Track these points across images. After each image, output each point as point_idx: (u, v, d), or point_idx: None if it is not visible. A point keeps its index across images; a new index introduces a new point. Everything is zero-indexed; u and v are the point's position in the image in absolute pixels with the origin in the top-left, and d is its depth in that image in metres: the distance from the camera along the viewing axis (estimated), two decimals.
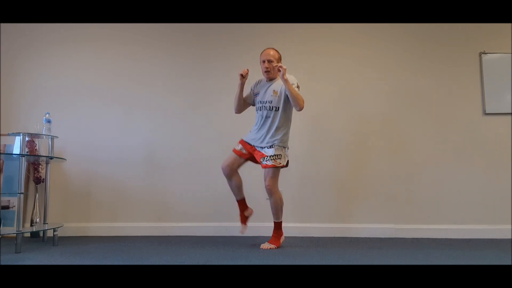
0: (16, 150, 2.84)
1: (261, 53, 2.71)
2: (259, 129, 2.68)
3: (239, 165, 2.74)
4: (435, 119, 3.42)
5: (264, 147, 2.64)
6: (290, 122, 2.72)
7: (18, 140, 2.81)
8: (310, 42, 3.52)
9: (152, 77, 3.49)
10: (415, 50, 3.50)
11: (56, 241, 2.77)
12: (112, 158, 3.39)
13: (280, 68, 2.50)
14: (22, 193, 2.54)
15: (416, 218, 3.30)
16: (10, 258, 2.20)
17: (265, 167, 2.62)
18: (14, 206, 3.11)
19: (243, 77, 2.66)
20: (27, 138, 2.86)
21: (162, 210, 3.35)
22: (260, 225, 3.25)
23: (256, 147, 2.68)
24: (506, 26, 3.47)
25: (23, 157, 2.60)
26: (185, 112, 3.46)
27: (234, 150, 2.74)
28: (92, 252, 2.39)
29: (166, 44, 3.53)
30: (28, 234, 3.22)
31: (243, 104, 2.79)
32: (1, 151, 3.21)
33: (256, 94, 2.75)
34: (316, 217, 3.33)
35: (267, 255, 2.29)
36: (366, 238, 3.18)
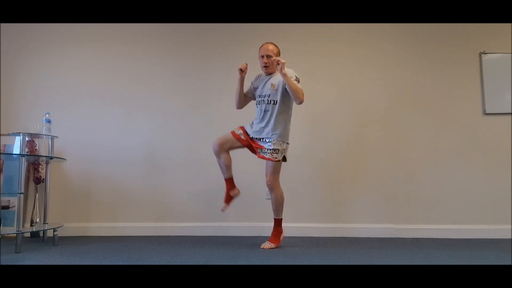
0: (16, 150, 2.84)
1: (260, 48, 2.70)
2: (259, 122, 2.69)
3: (231, 147, 2.73)
4: (435, 119, 3.42)
5: (263, 139, 2.64)
6: (290, 116, 2.71)
7: (18, 140, 2.81)
8: (310, 42, 3.52)
9: (152, 77, 3.49)
10: (415, 50, 3.50)
11: (56, 241, 2.77)
12: (112, 158, 3.39)
13: (279, 62, 2.51)
14: (22, 193, 2.54)
15: (416, 218, 3.30)
16: (10, 258, 2.20)
17: (261, 157, 2.63)
18: (14, 206, 3.11)
19: (242, 71, 2.66)
20: (27, 138, 2.86)
21: (162, 210, 3.35)
22: (260, 225, 3.25)
23: (254, 138, 2.69)
24: (506, 26, 3.47)
25: (23, 157, 2.60)
26: (185, 112, 3.46)
27: (233, 133, 2.74)
28: (92, 252, 2.39)
29: (166, 44, 3.53)
30: (28, 234, 3.22)
31: (243, 99, 2.79)
32: (1, 151, 3.21)
33: (256, 88, 2.75)
34: (316, 217, 3.33)
35: (267, 255, 2.29)
36: (366, 238, 3.18)
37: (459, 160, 3.36)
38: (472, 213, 3.29)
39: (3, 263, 2.05)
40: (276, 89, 2.63)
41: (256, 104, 2.75)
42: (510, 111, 3.38)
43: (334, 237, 3.22)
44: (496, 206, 3.28)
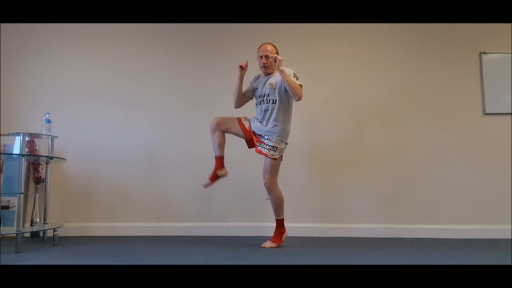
0: (16, 150, 2.84)
1: (258, 48, 2.71)
2: (259, 122, 2.70)
3: (227, 130, 2.74)
4: (435, 119, 3.42)
5: (263, 135, 2.65)
6: (290, 116, 2.71)
7: (18, 140, 2.81)
8: (310, 42, 3.52)
9: (152, 77, 3.49)
10: (415, 50, 3.50)
11: (56, 241, 2.77)
12: (112, 158, 3.39)
13: (276, 59, 2.52)
14: (22, 193, 2.54)
15: (416, 218, 3.30)
16: (10, 258, 2.20)
17: (258, 152, 2.64)
18: (14, 206, 3.11)
19: (243, 68, 2.67)
20: (27, 138, 2.86)
21: (162, 210, 3.35)
22: (260, 225, 3.25)
23: (256, 133, 2.70)
24: (506, 26, 3.47)
25: (23, 157, 2.60)
26: (185, 112, 3.46)
27: (239, 120, 2.75)
28: (92, 252, 2.39)
29: (166, 44, 3.53)
30: (28, 234, 3.22)
31: (242, 97, 2.78)
32: (1, 151, 3.21)
33: (255, 89, 2.76)
34: (316, 217, 3.33)
35: (267, 255, 2.29)
36: (366, 238, 3.18)
37: (459, 160, 3.36)
38: (472, 213, 3.29)
39: (3, 263, 2.05)
40: (274, 88, 2.63)
41: (256, 105, 2.76)
42: (510, 111, 3.38)
43: (334, 237, 3.22)
44: (496, 206, 3.28)
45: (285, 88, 2.59)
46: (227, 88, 3.32)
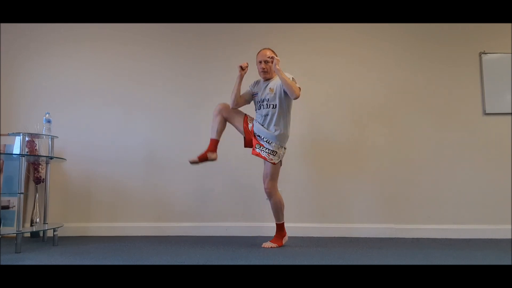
0: (16, 150, 2.84)
1: (257, 53, 2.72)
2: (261, 125, 2.69)
3: (228, 119, 2.75)
4: (435, 119, 3.42)
5: (263, 138, 2.64)
6: (289, 121, 2.71)
7: (18, 140, 2.81)
8: (310, 42, 3.52)
9: (152, 77, 3.49)
10: (415, 50, 3.50)
11: (56, 241, 2.77)
12: (112, 158, 3.39)
13: (273, 60, 2.53)
14: (22, 193, 2.54)
15: (416, 218, 3.30)
16: (10, 258, 2.20)
17: (255, 154, 2.63)
18: (14, 206, 3.11)
19: (243, 69, 2.66)
20: (27, 138, 2.86)
21: (162, 210, 3.35)
22: (260, 225, 3.25)
23: (255, 135, 2.69)
24: (506, 26, 3.47)
25: (23, 157, 2.60)
26: (185, 112, 3.46)
27: (246, 117, 2.76)
28: (92, 252, 2.39)
29: (166, 44, 3.53)
30: (28, 234, 3.22)
31: (240, 98, 2.75)
32: (1, 151, 3.21)
33: (255, 94, 2.75)
34: (316, 217, 3.33)
35: (267, 255, 2.29)
36: (366, 238, 3.18)
37: (459, 160, 3.36)
38: (472, 213, 3.29)
39: (3, 263, 2.05)
40: (274, 93, 2.63)
41: (256, 110, 2.75)
42: (510, 111, 3.38)
43: (334, 237, 3.22)
44: (496, 206, 3.28)
45: (284, 92, 2.60)
46: (227, 88, 3.31)
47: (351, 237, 3.20)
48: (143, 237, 3.14)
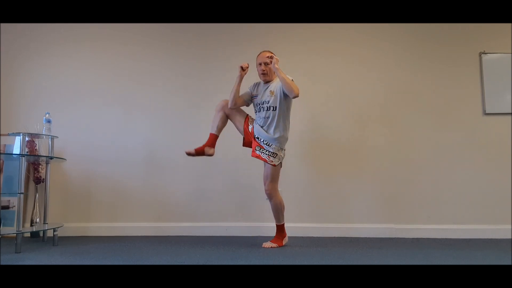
0: (16, 150, 2.84)
1: (257, 56, 2.72)
2: (261, 127, 2.69)
3: (230, 115, 2.75)
4: (435, 119, 3.42)
5: (263, 140, 2.64)
6: (289, 124, 2.71)
7: (18, 140, 2.81)
8: (310, 42, 3.52)
9: (152, 77, 3.49)
10: (415, 50, 3.50)
11: (56, 241, 2.77)
12: (112, 158, 3.39)
13: (272, 59, 2.53)
14: (22, 193, 2.54)
15: (416, 218, 3.30)
16: (10, 258, 2.20)
17: (255, 156, 2.63)
18: (14, 206, 3.11)
19: (243, 69, 2.66)
20: (27, 138, 2.86)
21: (162, 210, 3.35)
22: (260, 225, 3.25)
23: (256, 137, 2.69)
24: (506, 26, 3.47)
25: (23, 157, 2.60)
26: (185, 112, 3.46)
27: (247, 117, 2.76)
28: (92, 252, 2.39)
29: (166, 44, 3.53)
30: (28, 234, 3.22)
31: (238, 99, 2.74)
32: (1, 151, 3.21)
33: (255, 96, 2.75)
34: (316, 217, 3.33)
35: (267, 255, 2.29)
36: (366, 238, 3.18)
37: (459, 160, 3.36)
38: (472, 213, 3.29)
39: (3, 263, 2.05)
40: (275, 95, 2.64)
41: (256, 112, 2.75)
42: (510, 111, 3.38)
43: (334, 237, 3.22)
44: (496, 206, 3.28)
45: (284, 94, 2.60)
46: (227, 88, 3.31)
47: (351, 237, 3.20)
48: (143, 237, 3.14)
